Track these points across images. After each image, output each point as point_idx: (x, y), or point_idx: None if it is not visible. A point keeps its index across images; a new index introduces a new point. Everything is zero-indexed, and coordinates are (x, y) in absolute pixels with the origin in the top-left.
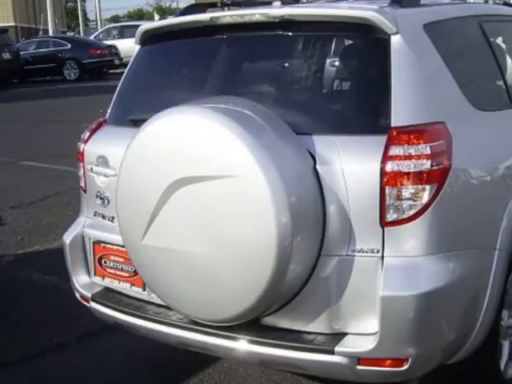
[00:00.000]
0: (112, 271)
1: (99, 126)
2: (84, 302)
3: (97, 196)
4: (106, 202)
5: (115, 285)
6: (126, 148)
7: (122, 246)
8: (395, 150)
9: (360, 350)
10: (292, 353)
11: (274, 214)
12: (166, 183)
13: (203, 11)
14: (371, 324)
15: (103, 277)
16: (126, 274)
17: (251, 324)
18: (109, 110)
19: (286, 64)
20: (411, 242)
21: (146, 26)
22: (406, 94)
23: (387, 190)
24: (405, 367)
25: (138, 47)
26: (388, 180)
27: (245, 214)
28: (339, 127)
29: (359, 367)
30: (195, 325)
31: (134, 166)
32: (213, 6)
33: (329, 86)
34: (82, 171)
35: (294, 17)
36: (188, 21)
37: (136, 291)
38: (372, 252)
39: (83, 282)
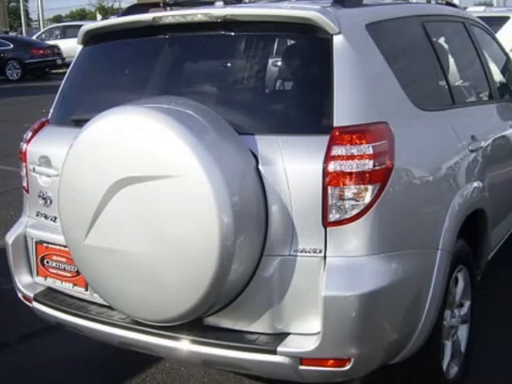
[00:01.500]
0: (54, 271)
1: (41, 126)
2: (26, 302)
3: (39, 196)
4: (49, 201)
5: (58, 285)
6: (68, 148)
7: (65, 246)
8: (337, 150)
9: (302, 350)
10: (234, 353)
11: (217, 214)
12: (108, 183)
13: (145, 11)
14: (314, 324)
15: (46, 277)
16: (69, 274)
17: (194, 324)
18: (51, 110)
19: (229, 64)
20: (354, 242)
21: (88, 26)
22: (348, 94)
23: (329, 190)
24: (347, 367)
25: (80, 47)
26: (330, 180)
27: (187, 214)
28: (282, 127)
29: (301, 367)
30: (137, 325)
31: (76, 166)
32: (155, 6)
33: (271, 86)
34: (25, 171)
35: (237, 17)
36: (130, 21)
37: (78, 291)
38: (314, 252)
39: (25, 281)
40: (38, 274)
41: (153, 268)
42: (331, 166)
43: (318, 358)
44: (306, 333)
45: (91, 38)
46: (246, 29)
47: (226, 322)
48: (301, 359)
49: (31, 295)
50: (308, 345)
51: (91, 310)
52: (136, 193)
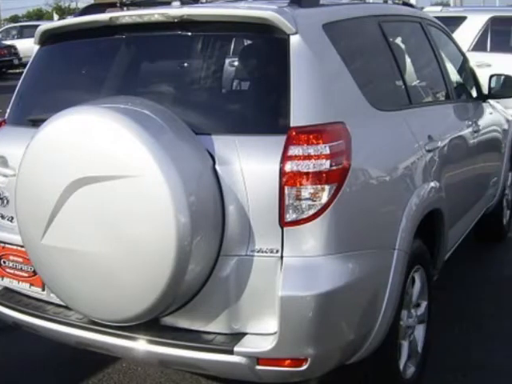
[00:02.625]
0: (11, 271)
1: None
2: None
3: None
4: (6, 201)
5: (15, 285)
6: (25, 148)
7: (22, 246)
8: (294, 150)
9: (259, 350)
10: (191, 353)
11: (174, 215)
12: (65, 183)
13: (102, 11)
14: (271, 324)
15: (2, 277)
16: (26, 274)
17: (150, 324)
18: (8, 110)
19: (186, 64)
20: (310, 242)
21: (44, 26)
22: (305, 94)
23: (286, 190)
24: (304, 367)
25: (37, 47)
26: (287, 180)
27: (144, 214)
28: (239, 127)
29: (258, 367)
30: (94, 325)
31: (32, 166)
32: (112, 5)
33: (228, 86)
34: None
35: (193, 17)
36: (87, 21)
37: (35, 291)
38: (271, 252)
39: None
40: None
41: (110, 268)
42: (288, 166)
43: (274, 358)
44: (262, 333)
45: (48, 38)
46: (203, 29)
47: (183, 322)
48: (258, 359)
49: None
50: (265, 345)
51: (48, 310)
52: (93, 193)
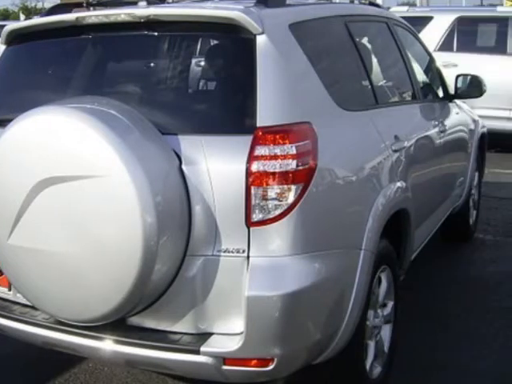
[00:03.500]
0: None
1: None
2: None
3: None
4: None
5: None
6: None
7: None
8: (261, 150)
9: (225, 350)
10: (157, 353)
11: (140, 215)
12: (31, 183)
13: (69, 11)
14: (237, 324)
15: None
16: None
17: (117, 324)
18: None
19: (152, 64)
20: (277, 242)
21: (11, 25)
22: (271, 94)
23: (253, 189)
24: (270, 367)
25: (3, 47)
26: (253, 180)
27: (111, 214)
28: (205, 127)
29: (225, 367)
30: (60, 325)
31: None
32: (78, 6)
33: (195, 86)
34: None
35: (160, 17)
36: (54, 21)
37: (1, 291)
38: (238, 252)
39: None
40: None
41: (77, 268)
42: (254, 166)
43: (241, 358)
44: (229, 333)
45: (15, 38)
46: (169, 29)
47: (150, 322)
48: (224, 359)
49: None
50: (231, 345)
51: (14, 309)
52: (59, 193)
